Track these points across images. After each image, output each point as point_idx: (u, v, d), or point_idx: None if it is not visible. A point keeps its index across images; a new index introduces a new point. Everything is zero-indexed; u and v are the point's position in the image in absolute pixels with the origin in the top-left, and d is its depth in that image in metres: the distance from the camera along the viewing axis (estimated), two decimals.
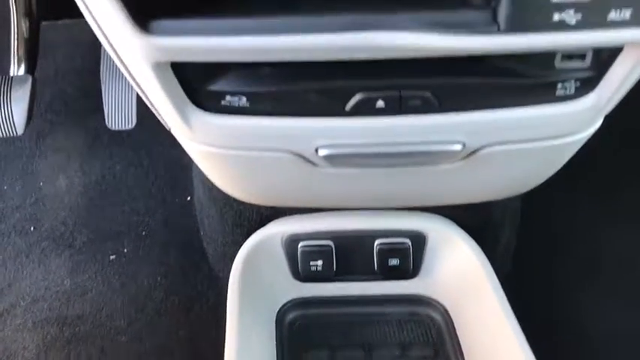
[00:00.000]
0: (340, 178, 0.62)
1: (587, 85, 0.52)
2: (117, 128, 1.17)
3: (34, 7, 1.14)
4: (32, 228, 1.23)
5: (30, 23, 1.13)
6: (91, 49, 1.30)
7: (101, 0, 0.43)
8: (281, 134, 0.56)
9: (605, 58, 0.49)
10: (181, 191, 1.22)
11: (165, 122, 0.58)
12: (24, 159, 1.28)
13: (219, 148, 0.58)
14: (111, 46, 0.49)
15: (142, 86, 0.53)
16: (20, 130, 1.11)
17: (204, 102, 0.54)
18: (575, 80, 0.51)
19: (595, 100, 0.53)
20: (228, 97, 0.53)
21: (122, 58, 0.50)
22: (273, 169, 0.61)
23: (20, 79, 1.11)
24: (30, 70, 1.15)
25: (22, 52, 1.14)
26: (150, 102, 0.55)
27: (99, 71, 1.19)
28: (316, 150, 0.56)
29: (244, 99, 0.53)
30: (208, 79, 0.52)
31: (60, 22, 1.28)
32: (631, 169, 1.12)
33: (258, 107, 0.54)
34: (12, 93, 1.09)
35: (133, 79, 0.53)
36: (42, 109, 1.29)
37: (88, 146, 1.27)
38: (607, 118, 0.58)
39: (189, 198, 1.21)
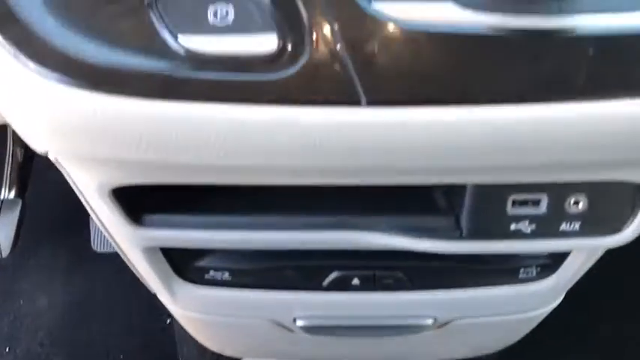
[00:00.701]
0: (317, 342, 0.64)
1: (547, 269, 0.56)
2: (102, 250, 1.18)
3: None
4: (7, 349, 1.21)
5: (25, 150, 1.17)
6: None
7: (97, 199, 0.47)
8: (261, 305, 0.58)
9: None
10: (161, 314, 1.23)
11: (150, 288, 0.61)
12: (6, 277, 1.28)
13: (200, 313, 0.61)
14: (105, 229, 0.53)
15: (131, 260, 0.56)
16: (5, 253, 1.12)
17: (189, 275, 0.57)
18: (536, 266, 0.55)
19: (555, 282, 0.57)
20: (212, 272, 0.56)
21: (115, 239, 0.53)
22: (252, 333, 0.63)
23: (10, 204, 1.14)
24: (20, 193, 1.18)
25: (14, 176, 1.17)
26: (137, 271, 0.58)
27: None
28: (294, 320, 0.59)
29: (227, 273, 0.56)
30: (194, 257, 0.55)
31: None
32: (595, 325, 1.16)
33: (240, 280, 0.57)
34: (0, 217, 1.11)
35: (123, 254, 0.56)
36: (29, 228, 1.30)
37: (72, 266, 1.28)
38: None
39: (168, 321, 1.21)
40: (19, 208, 1.13)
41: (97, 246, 1.21)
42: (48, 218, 1.33)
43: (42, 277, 1.28)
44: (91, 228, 1.20)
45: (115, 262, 1.35)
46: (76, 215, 1.33)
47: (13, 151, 1.16)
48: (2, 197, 1.17)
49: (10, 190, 1.17)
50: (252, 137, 0.36)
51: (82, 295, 1.26)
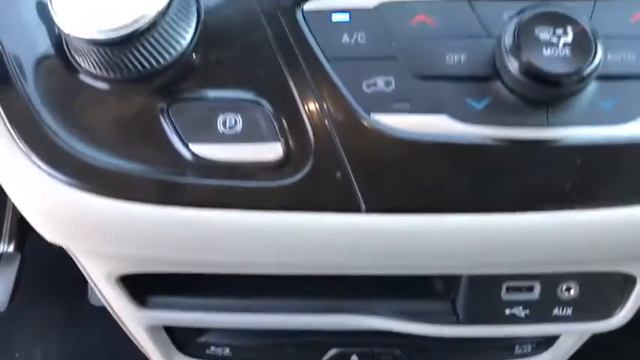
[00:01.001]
0: None
1: (542, 345, 0.57)
2: (100, 304, 1.18)
3: None
4: None
5: None
6: None
7: (104, 283, 0.48)
8: None
9: None
10: None
11: (151, 358, 0.61)
12: (1, 329, 1.28)
13: None
14: (109, 305, 0.54)
15: (134, 335, 0.57)
16: (3, 307, 1.12)
17: (191, 350, 0.58)
18: (532, 342, 0.57)
19: (550, 357, 0.58)
20: (213, 348, 0.57)
21: (119, 316, 0.54)
22: None
23: (8, 257, 1.14)
24: (19, 246, 1.18)
25: (14, 229, 1.17)
26: (138, 344, 0.59)
27: None
28: None
29: (228, 349, 0.57)
30: (196, 334, 0.56)
31: None
32: None
33: (240, 356, 0.58)
34: None
35: (125, 328, 0.57)
36: (25, 280, 1.30)
37: (68, 319, 1.28)
38: None
39: None
40: (17, 262, 1.14)
41: (94, 299, 1.21)
42: (45, 270, 1.32)
43: (37, 330, 1.28)
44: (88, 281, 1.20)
45: (112, 315, 1.35)
46: (74, 268, 1.34)
47: (13, 204, 1.16)
48: (1, 251, 1.17)
49: (9, 244, 1.17)
50: (255, 241, 0.37)
51: (78, 348, 1.25)
